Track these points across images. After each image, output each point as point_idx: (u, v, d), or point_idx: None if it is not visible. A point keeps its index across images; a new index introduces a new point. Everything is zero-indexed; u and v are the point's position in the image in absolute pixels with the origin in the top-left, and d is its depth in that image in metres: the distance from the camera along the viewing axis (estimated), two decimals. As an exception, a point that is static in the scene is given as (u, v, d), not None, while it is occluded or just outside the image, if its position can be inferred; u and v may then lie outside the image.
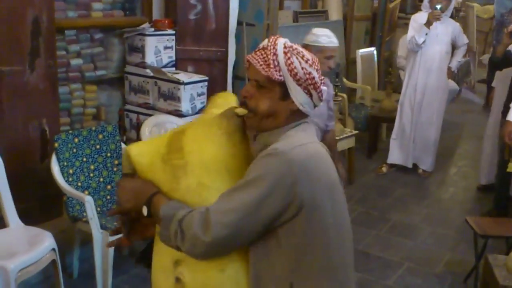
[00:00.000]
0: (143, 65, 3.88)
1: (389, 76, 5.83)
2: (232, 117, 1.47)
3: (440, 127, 5.18)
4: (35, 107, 3.16)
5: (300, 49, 1.47)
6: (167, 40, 3.99)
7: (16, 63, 3.04)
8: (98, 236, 2.85)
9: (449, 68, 5.08)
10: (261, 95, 1.44)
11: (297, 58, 1.44)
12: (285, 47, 1.45)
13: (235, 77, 4.66)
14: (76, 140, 3.12)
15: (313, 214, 1.36)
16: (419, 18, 4.89)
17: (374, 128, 5.66)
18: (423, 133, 5.11)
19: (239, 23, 4.62)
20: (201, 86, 4.01)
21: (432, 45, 4.89)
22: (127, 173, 1.53)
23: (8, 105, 3.03)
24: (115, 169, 3.29)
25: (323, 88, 1.49)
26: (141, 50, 3.86)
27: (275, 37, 1.48)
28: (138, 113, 3.96)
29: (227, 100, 1.64)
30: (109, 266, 2.90)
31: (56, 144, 3.01)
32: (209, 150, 1.43)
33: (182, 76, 3.89)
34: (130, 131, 3.95)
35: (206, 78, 4.04)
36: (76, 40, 3.63)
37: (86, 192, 3.12)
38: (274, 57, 1.42)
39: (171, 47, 4.05)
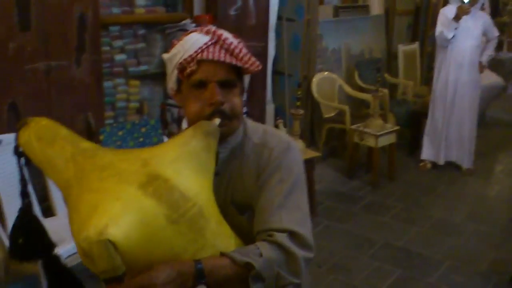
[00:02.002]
0: (184, 60, 3.93)
1: (432, 72, 5.71)
2: (217, 132, 1.26)
3: (475, 124, 5.02)
4: (81, 101, 3.25)
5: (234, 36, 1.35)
6: (208, 35, 4.03)
7: (63, 58, 3.13)
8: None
9: (480, 63, 4.92)
10: (233, 96, 1.30)
11: (242, 45, 1.32)
12: (234, 37, 1.32)
13: (274, 72, 4.67)
14: (120, 133, 3.19)
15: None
16: (448, 12, 4.73)
17: (416, 124, 5.56)
18: (457, 129, 4.98)
19: (279, 18, 4.63)
20: (242, 81, 4.03)
21: (462, 40, 4.74)
22: (120, 273, 1.03)
23: (56, 98, 3.12)
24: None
25: None
26: (182, 45, 3.91)
27: (214, 28, 1.32)
28: (179, 107, 4.02)
29: (52, 122, 1.28)
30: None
31: (101, 137, 3.09)
32: (207, 181, 1.22)
33: (223, 71, 3.92)
34: (171, 125, 4.01)
35: (247, 73, 4.06)
36: (120, 36, 3.70)
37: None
38: (239, 49, 1.29)
39: (212, 42, 4.09)
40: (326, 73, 5.23)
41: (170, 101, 4.06)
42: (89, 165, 1.14)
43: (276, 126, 4.55)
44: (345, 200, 4.41)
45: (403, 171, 5.07)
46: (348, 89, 5.37)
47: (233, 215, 1.34)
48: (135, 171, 1.11)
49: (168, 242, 1.08)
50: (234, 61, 1.26)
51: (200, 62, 1.27)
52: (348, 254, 3.57)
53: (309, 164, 4.01)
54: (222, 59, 1.26)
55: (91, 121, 3.32)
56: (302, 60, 5.01)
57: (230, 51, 1.28)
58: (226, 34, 1.31)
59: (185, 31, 3.82)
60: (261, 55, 4.37)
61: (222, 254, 1.17)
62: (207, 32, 1.30)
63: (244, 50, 1.30)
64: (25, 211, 1.29)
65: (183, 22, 3.89)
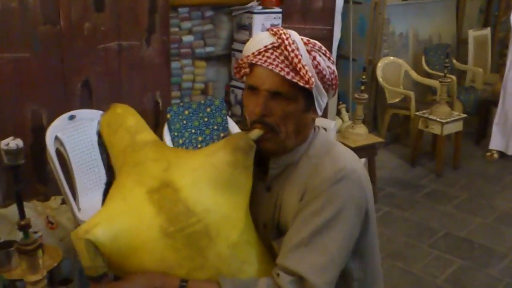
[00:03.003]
0: (249, 42, 3.97)
1: (504, 58, 5.46)
2: (250, 148, 1.14)
3: None
4: (150, 80, 3.37)
5: (317, 42, 1.22)
6: (274, 18, 4.04)
7: (134, 38, 3.24)
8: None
9: None
10: (284, 109, 1.16)
11: (320, 55, 1.18)
12: (306, 44, 1.18)
13: (339, 56, 4.63)
14: (186, 112, 3.29)
15: (373, 228, 1.28)
16: None
17: (484, 113, 5.36)
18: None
19: (346, 1, 4.56)
20: (305, 64, 4.03)
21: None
22: (103, 273, 1.03)
23: (126, 77, 3.25)
24: (220, 140, 3.44)
25: None
26: (248, 27, 3.95)
27: (283, 31, 1.17)
28: (243, 89, 4.07)
29: (133, 113, 1.31)
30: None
31: (168, 115, 3.20)
32: (228, 198, 1.11)
33: (287, 54, 3.93)
34: (234, 106, 4.08)
35: (311, 56, 4.06)
36: (188, 18, 3.79)
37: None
38: (300, 58, 1.13)
39: (277, 25, 4.10)
40: (391, 58, 5.13)
41: (235, 83, 4.12)
42: (130, 158, 1.16)
43: (339, 111, 4.53)
44: (407, 188, 4.35)
45: (469, 160, 4.92)
46: (414, 74, 5.25)
47: (272, 238, 1.23)
48: (155, 175, 1.09)
49: (159, 254, 1.04)
50: (283, 73, 1.12)
51: (252, 66, 1.17)
52: (407, 241, 3.53)
53: (371, 150, 3.98)
54: (271, 67, 1.13)
55: (158, 100, 3.43)
56: (368, 44, 4.93)
57: (289, 60, 1.13)
58: (293, 37, 1.16)
59: (252, 13, 3.86)
60: (327, 38, 4.33)
61: (222, 277, 1.08)
62: (274, 34, 1.18)
63: (306, 60, 1.14)
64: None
65: (250, 4, 3.92)
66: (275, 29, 1.18)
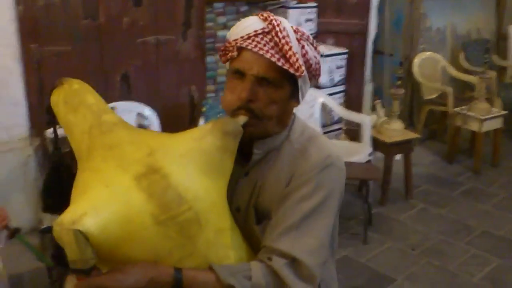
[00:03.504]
0: (284, 37, 3.98)
1: (547, 54, 5.31)
2: (239, 133, 1.11)
3: None
4: (186, 74, 3.41)
5: (305, 31, 1.20)
6: (309, 12, 4.04)
7: (171, 33, 3.30)
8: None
9: None
10: (270, 96, 1.15)
11: (308, 45, 1.17)
12: (295, 32, 1.16)
13: (375, 51, 4.58)
14: (221, 106, 3.32)
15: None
16: None
17: (525, 110, 5.21)
18: None
19: (382, -5, 4.52)
20: (340, 59, 4.02)
21: None
22: (89, 267, 0.95)
23: (163, 71, 3.30)
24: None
25: None
26: (283, 22, 3.96)
27: (274, 17, 1.15)
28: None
29: (89, 89, 1.21)
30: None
31: (203, 109, 3.24)
32: (216, 184, 1.09)
33: (322, 49, 3.92)
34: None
35: (346, 51, 4.03)
36: (223, 12, 3.82)
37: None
38: (288, 47, 1.11)
39: (312, 20, 4.10)
40: (428, 53, 5.04)
41: (269, 78, 4.13)
42: (100, 140, 1.08)
43: (374, 106, 4.49)
44: (443, 185, 4.27)
45: (508, 158, 4.80)
46: (452, 70, 5.15)
47: (251, 221, 1.22)
48: (138, 159, 1.03)
49: (151, 243, 0.99)
50: (274, 59, 1.10)
51: (241, 50, 1.14)
52: (444, 239, 3.47)
53: (406, 146, 3.93)
54: (261, 52, 1.11)
55: (194, 94, 3.48)
56: (404, 39, 4.86)
57: (279, 46, 1.11)
58: (284, 25, 1.14)
59: (286, 8, 3.87)
60: (362, 33, 4.30)
61: (211, 267, 1.06)
62: (265, 19, 1.14)
63: (296, 48, 1.13)
64: (56, 167, 1.22)
65: (285, -1, 3.93)
66: (265, 14, 1.16)
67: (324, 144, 1.22)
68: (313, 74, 1.20)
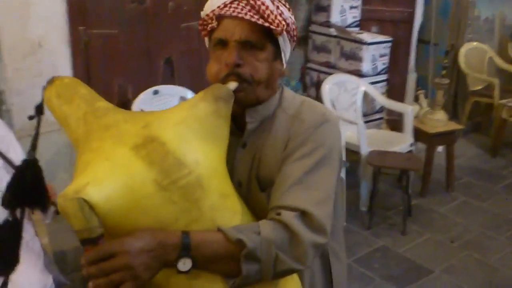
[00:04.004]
0: (327, 24, 3.95)
1: None
2: (231, 97, 1.12)
3: None
4: (228, 59, 3.43)
5: None
6: (354, -1, 3.99)
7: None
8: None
9: None
10: (255, 59, 1.16)
11: (282, 6, 1.18)
12: None
13: (420, 40, 4.50)
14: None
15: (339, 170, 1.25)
16: None
17: None
18: None
19: (430, -17, 4.42)
20: (384, 47, 3.96)
21: None
22: (96, 236, 0.95)
23: (206, 56, 3.28)
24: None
25: None
26: (327, 9, 3.93)
27: None
28: (318, 71, 4.06)
29: (81, 84, 1.22)
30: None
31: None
32: (214, 149, 1.10)
33: (366, 36, 3.87)
34: (310, 88, 4.08)
35: (390, 39, 3.97)
36: (267, -1, 3.82)
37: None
38: (265, 7, 1.14)
39: (356, 7, 4.05)
40: (475, 43, 4.91)
41: (311, 65, 4.12)
42: (96, 124, 1.11)
43: (416, 97, 4.41)
44: (486, 178, 4.18)
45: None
46: (499, 61, 5.00)
47: (255, 191, 1.21)
48: (135, 133, 1.05)
49: (156, 210, 0.99)
50: (254, 19, 1.12)
51: (220, 19, 1.16)
52: (484, 232, 3.40)
53: (449, 137, 3.85)
54: (240, 15, 1.12)
55: (236, 79, 3.50)
56: (451, 28, 4.75)
57: (256, 8, 1.14)
58: None
59: (330, -5, 3.83)
60: (407, 21, 4.23)
61: (219, 229, 1.04)
62: None
63: (272, 7, 1.15)
64: (29, 162, 1.18)
65: (329, -15, 3.89)
66: None
67: (316, 105, 1.24)
68: (291, 35, 1.21)
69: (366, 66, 3.86)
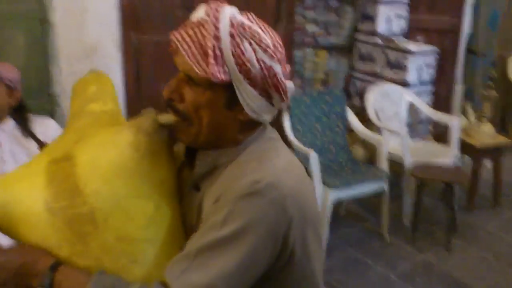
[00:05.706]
0: (373, 33, 3.92)
1: None
2: (154, 131, 1.00)
3: None
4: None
5: (255, 28, 0.96)
6: (400, 8, 3.94)
7: (261, 26, 3.34)
8: (320, 190, 3.03)
9: None
10: (195, 98, 0.97)
11: (250, 44, 0.94)
12: (232, 25, 0.94)
13: (468, 51, 4.40)
14: (306, 100, 3.33)
15: (302, 262, 1.01)
16: None
17: None
18: None
19: (479, -8, 4.33)
20: (430, 57, 3.89)
21: None
22: None
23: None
24: (337, 129, 3.44)
25: (289, 84, 1.01)
26: (373, 18, 3.89)
27: (217, 7, 0.95)
28: (363, 80, 4.03)
29: (102, 81, 1.19)
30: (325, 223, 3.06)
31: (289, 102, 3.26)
32: (126, 185, 0.97)
33: (411, 46, 3.82)
34: (354, 97, 4.05)
35: (436, 49, 3.91)
36: (313, 7, 3.82)
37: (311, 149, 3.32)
38: (215, 42, 0.92)
39: (402, 16, 4.00)
40: (525, 54, 4.79)
41: (355, 74, 4.08)
42: (70, 126, 1.12)
43: (463, 109, 4.32)
44: (534, 195, 4.05)
45: None
46: (550, 74, 4.85)
47: None
48: (64, 146, 1.02)
49: (40, 229, 0.94)
50: (188, 55, 0.93)
51: (174, 41, 0.97)
52: (533, 251, 3.30)
53: (497, 151, 3.75)
54: (180, 46, 0.94)
55: (280, 87, 3.51)
56: (499, 39, 4.64)
57: (201, 43, 0.94)
58: (222, 15, 0.95)
59: (377, 3, 3.80)
60: (454, 31, 4.15)
61: (101, 273, 0.93)
62: (207, 7, 0.97)
63: (223, 45, 0.93)
64: None
65: (376, -6, 3.86)
66: (212, 4, 0.97)
67: (267, 163, 0.98)
68: (260, 85, 0.96)
69: (411, 76, 3.80)
